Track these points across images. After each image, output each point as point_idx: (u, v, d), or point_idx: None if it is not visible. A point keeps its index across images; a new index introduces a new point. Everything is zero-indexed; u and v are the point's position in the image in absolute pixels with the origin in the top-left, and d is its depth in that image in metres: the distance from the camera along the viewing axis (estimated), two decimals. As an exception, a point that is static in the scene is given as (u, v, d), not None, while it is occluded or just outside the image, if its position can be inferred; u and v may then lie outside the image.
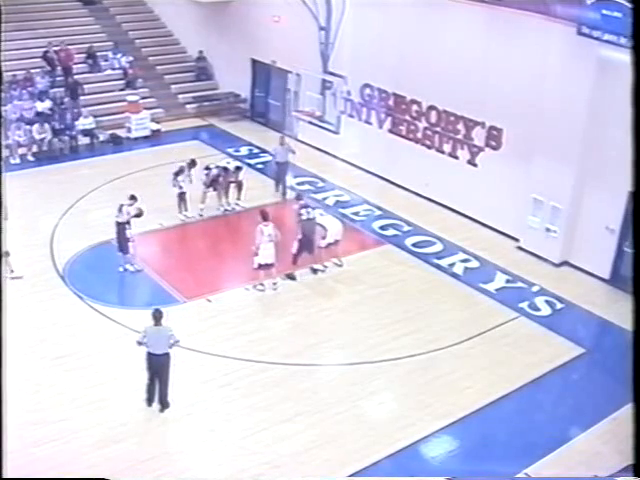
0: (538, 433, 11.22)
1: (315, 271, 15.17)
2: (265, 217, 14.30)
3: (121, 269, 14.75)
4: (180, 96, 24.31)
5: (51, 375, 11.70)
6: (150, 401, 11.09)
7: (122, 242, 14.66)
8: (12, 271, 13.72)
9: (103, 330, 12.92)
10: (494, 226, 17.43)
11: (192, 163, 17.26)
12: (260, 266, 14.29)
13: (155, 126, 22.43)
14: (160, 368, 10.93)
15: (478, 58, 16.93)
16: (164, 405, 11.07)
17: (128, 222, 14.56)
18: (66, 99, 21.63)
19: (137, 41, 25.45)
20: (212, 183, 17.30)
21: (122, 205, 14.56)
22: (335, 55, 20.37)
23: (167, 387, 11.04)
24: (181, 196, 16.93)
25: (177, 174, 16.84)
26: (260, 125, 23.74)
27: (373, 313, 14.01)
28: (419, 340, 13.17)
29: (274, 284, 14.53)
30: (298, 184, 19.33)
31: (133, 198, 14.65)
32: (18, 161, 19.55)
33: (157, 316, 10.91)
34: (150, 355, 10.85)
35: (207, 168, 17.36)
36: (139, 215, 14.67)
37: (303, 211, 14.92)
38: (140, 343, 10.86)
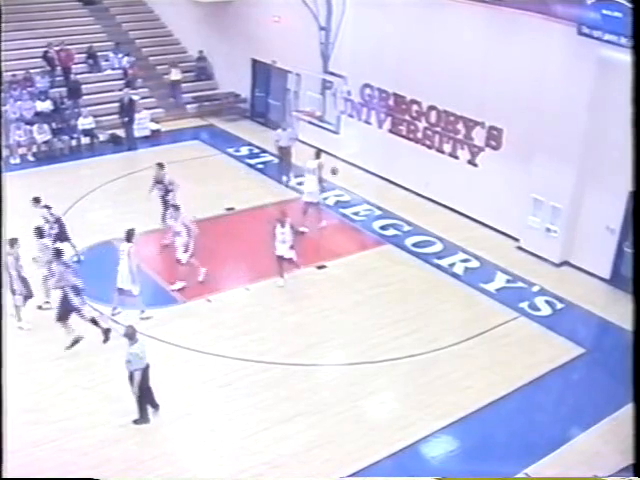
0: (538, 433, 11.23)
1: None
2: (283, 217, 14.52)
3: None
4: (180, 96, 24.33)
5: (51, 375, 11.71)
6: (147, 418, 10.90)
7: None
8: (108, 333, 12.42)
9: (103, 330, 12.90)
10: (494, 226, 17.43)
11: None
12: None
13: (155, 126, 22.46)
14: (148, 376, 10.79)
15: (478, 58, 16.93)
16: (157, 407, 11.01)
17: None
18: (66, 99, 21.65)
19: (137, 41, 25.49)
20: None
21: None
22: (335, 55, 20.38)
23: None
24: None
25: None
26: (260, 125, 23.78)
27: (373, 313, 14.01)
28: (419, 340, 13.17)
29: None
30: (298, 184, 19.35)
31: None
32: (18, 161, 19.59)
33: (131, 333, 10.59)
34: (147, 367, 10.67)
35: None
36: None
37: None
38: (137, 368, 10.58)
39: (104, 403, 11.13)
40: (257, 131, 23.17)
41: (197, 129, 23.27)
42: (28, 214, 14.72)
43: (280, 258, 14.53)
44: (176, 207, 14.33)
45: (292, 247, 14.52)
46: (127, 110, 21.31)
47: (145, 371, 10.66)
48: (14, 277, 12.58)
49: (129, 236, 13.04)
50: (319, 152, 17.18)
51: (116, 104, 21.92)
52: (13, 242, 12.63)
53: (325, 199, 18.59)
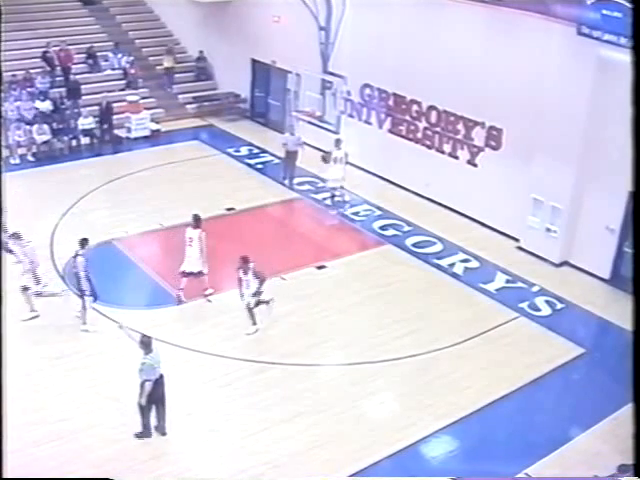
0: (538, 433, 11.22)
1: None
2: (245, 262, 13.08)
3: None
4: (180, 96, 24.35)
5: (51, 375, 11.71)
6: (149, 432, 10.66)
7: None
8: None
9: (103, 330, 12.91)
10: (494, 226, 17.43)
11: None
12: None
13: (155, 126, 22.45)
14: (163, 389, 10.59)
15: (478, 58, 16.92)
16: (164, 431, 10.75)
17: None
18: (66, 99, 21.65)
19: (137, 41, 25.49)
20: None
21: None
22: (335, 55, 20.37)
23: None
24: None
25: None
26: (260, 125, 23.78)
27: (373, 313, 14.01)
28: (419, 340, 13.17)
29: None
30: (298, 184, 19.36)
31: None
32: (18, 161, 19.59)
33: (147, 342, 10.35)
34: (161, 377, 10.47)
35: None
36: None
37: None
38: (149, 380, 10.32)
39: (104, 403, 11.12)
40: (257, 131, 23.18)
41: (197, 129, 23.26)
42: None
43: (248, 307, 13.16)
44: (16, 235, 12.79)
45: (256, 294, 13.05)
46: (105, 114, 21.27)
47: (158, 382, 10.40)
48: (83, 278, 12.70)
49: (197, 222, 13.74)
50: (339, 140, 18.06)
51: (116, 104, 21.94)
52: (84, 243, 12.88)
53: (324, 199, 18.64)
